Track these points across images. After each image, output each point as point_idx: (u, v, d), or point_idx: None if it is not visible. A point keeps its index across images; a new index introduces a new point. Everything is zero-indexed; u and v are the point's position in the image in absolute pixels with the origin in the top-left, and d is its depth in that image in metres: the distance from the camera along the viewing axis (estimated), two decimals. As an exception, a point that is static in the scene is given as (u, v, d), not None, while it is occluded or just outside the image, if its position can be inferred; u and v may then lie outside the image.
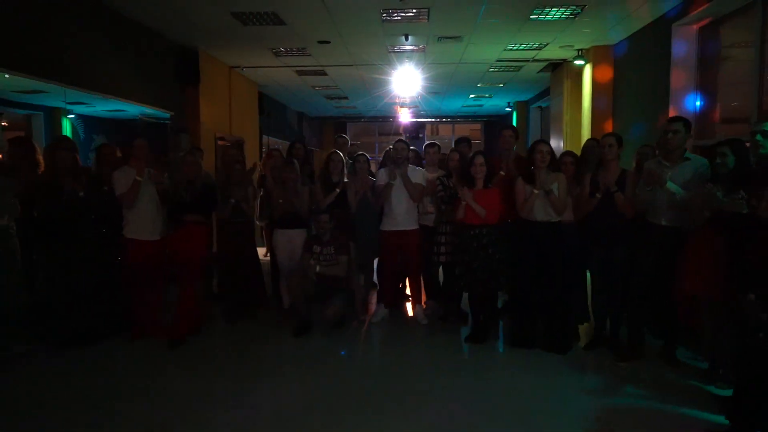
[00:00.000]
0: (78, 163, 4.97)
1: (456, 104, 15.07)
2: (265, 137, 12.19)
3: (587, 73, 8.54)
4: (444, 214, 5.22)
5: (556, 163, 4.72)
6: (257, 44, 8.12)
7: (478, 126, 18.98)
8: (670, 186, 3.95)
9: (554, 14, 6.78)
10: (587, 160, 5.05)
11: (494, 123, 17.39)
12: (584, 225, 4.58)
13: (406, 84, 10.72)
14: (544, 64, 9.73)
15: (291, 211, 5.36)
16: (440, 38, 7.93)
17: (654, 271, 4.19)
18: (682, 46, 6.44)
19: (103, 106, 9.08)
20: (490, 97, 13.71)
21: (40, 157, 5.02)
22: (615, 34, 7.74)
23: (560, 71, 9.67)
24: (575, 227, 4.69)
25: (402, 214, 5.34)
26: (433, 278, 5.72)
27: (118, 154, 5.23)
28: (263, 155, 9.35)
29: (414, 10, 6.66)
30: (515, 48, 8.59)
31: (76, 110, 9.38)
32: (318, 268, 5.12)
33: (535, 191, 4.47)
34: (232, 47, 8.31)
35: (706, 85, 6.36)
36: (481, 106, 15.39)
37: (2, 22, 4.95)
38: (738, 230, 3.50)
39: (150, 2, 6.31)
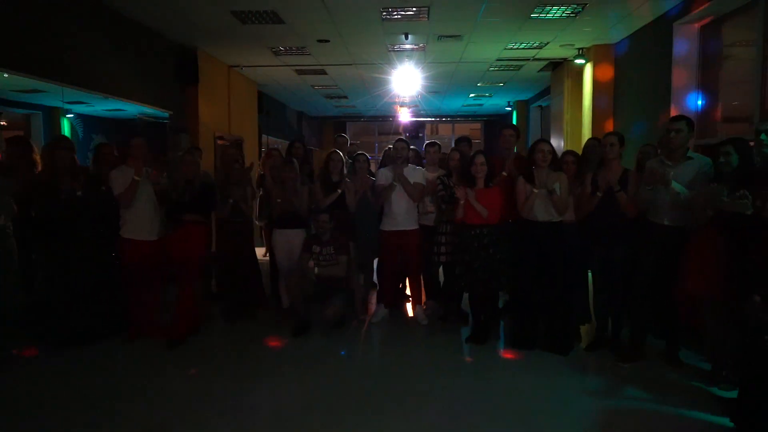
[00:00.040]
0: (76, 163, 4.95)
1: (456, 103, 15.04)
2: (264, 136, 12.16)
3: (588, 72, 8.51)
4: (444, 214, 5.19)
5: (557, 162, 4.69)
6: (256, 43, 8.09)
7: (478, 125, 18.95)
8: (675, 186, 3.92)
9: (555, 13, 6.75)
10: (588, 160, 5.02)
11: (494, 122, 17.36)
12: (586, 224, 4.55)
13: (405, 83, 10.69)
14: (545, 63, 9.70)
15: (290, 210, 5.33)
16: (440, 37, 7.90)
17: (656, 271, 4.16)
18: (684, 44, 6.41)
19: (102, 106, 9.03)
20: (490, 96, 13.68)
21: (38, 157, 4.99)
22: (616, 33, 7.71)
23: (561, 70, 9.64)
24: (576, 227, 4.66)
25: (402, 214, 5.31)
26: (433, 278, 5.69)
27: (116, 153, 5.21)
28: (262, 154, 9.32)
29: (414, 9, 6.63)
30: (515, 47, 8.56)
31: (75, 110, 9.34)
32: (317, 268, 5.09)
33: (535, 190, 4.44)
34: (232, 46, 8.28)
35: (707, 84, 6.33)
36: (481, 105, 15.36)
37: (2, 21, 4.93)
38: (741, 230, 3.48)
39: (149, 2, 6.28)
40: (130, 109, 8.21)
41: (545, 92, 12.05)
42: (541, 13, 6.74)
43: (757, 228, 3.33)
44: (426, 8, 6.59)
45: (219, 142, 8.97)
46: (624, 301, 4.43)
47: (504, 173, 5.02)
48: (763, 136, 3.68)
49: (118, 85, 6.76)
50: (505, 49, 8.68)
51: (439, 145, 5.72)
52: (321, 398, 3.81)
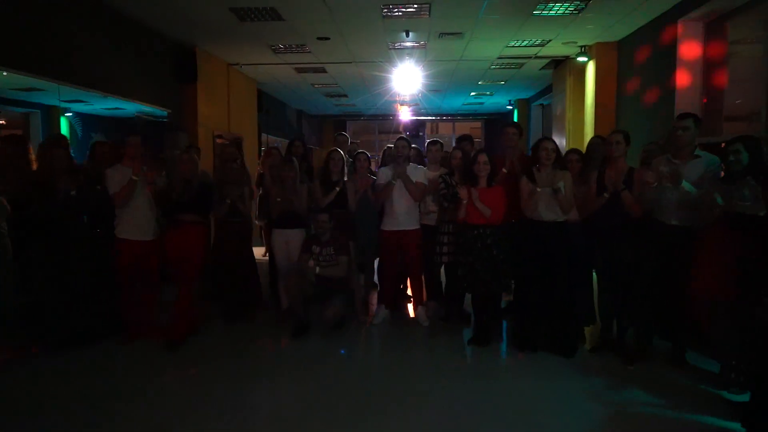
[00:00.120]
0: (72, 161, 4.88)
1: (457, 102, 14.97)
2: (264, 135, 12.10)
3: (590, 70, 8.43)
4: (446, 213, 5.11)
5: (562, 161, 4.62)
6: (256, 41, 8.01)
7: (478, 124, 18.88)
8: (684, 184, 3.84)
9: (558, 10, 6.68)
10: (592, 158, 4.94)
11: (495, 121, 17.30)
12: (590, 224, 4.48)
13: (406, 81, 10.61)
14: (547, 61, 9.63)
15: (289, 210, 5.25)
16: (441, 34, 7.82)
17: (662, 272, 4.09)
18: (688, 42, 6.33)
19: (101, 104, 8.97)
20: (491, 94, 13.61)
21: (33, 156, 4.92)
22: (619, 30, 7.62)
23: (563, 68, 9.56)
24: (580, 226, 4.58)
25: (402, 214, 5.23)
26: (435, 279, 5.61)
27: (107, 150, 5.14)
28: (262, 153, 9.25)
29: (415, 6, 6.56)
30: (517, 45, 8.49)
31: (74, 108, 9.28)
32: (317, 268, 5.01)
33: (539, 189, 4.36)
34: (231, 44, 8.20)
35: (712, 81, 6.25)
36: (482, 104, 15.29)
37: (0, 20, 4.85)
38: (752, 230, 3.40)
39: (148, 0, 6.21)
40: (129, 107, 8.14)
41: (546, 90, 11.98)
42: (543, 10, 6.67)
43: (768, 228, 3.26)
44: (427, 5, 6.51)
45: (218, 140, 8.90)
46: (629, 301, 4.35)
47: (504, 170, 4.94)
48: None
49: (116, 84, 6.69)
50: (507, 46, 8.60)
51: (441, 143, 5.65)
52: (320, 400, 3.77)
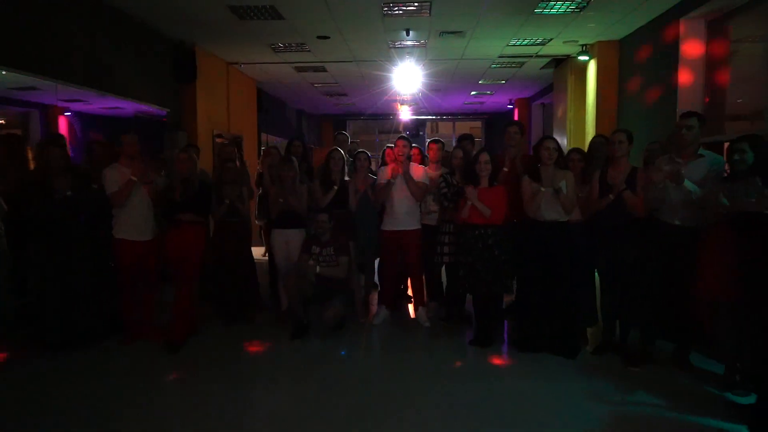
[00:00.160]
0: (69, 161, 4.84)
1: (457, 101, 14.92)
2: (264, 135, 12.05)
3: (592, 69, 8.38)
4: (447, 213, 5.07)
5: (564, 160, 4.57)
6: (255, 40, 7.97)
7: (478, 124, 18.82)
8: (687, 184, 3.80)
9: (559, 8, 6.63)
10: (594, 158, 4.90)
11: (495, 121, 17.26)
12: (592, 224, 4.43)
13: (406, 81, 10.57)
14: (547, 60, 9.58)
15: (288, 209, 5.20)
16: (442, 33, 7.77)
17: (665, 272, 4.04)
18: (691, 40, 6.28)
19: (100, 104, 8.93)
20: (491, 94, 13.57)
21: (30, 155, 4.88)
22: (621, 29, 7.58)
23: (564, 67, 9.52)
24: (582, 226, 4.54)
25: (403, 214, 5.19)
26: (435, 279, 5.57)
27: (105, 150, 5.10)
28: (261, 153, 9.21)
29: (416, 4, 6.51)
30: (518, 43, 8.44)
31: (73, 108, 9.24)
32: (317, 268, 4.97)
33: (542, 189, 4.31)
34: (230, 43, 8.16)
35: (714, 80, 6.20)
36: (482, 103, 15.25)
37: (-1, 19, 4.83)
38: (758, 230, 3.36)
39: (146, -3, 6.18)
40: (128, 107, 8.10)
41: (547, 90, 11.94)
42: (545, 8, 6.62)
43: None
44: (428, 4, 6.47)
45: (218, 140, 8.86)
46: (631, 302, 4.31)
47: (505, 169, 4.90)
48: None
49: (115, 83, 6.64)
50: (508, 45, 8.56)
51: (442, 142, 5.61)
52: (321, 400, 3.75)
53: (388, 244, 5.29)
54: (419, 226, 5.26)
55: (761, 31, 5.34)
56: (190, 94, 8.20)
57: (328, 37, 7.88)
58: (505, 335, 5.07)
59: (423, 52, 8.86)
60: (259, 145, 11.42)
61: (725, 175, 3.81)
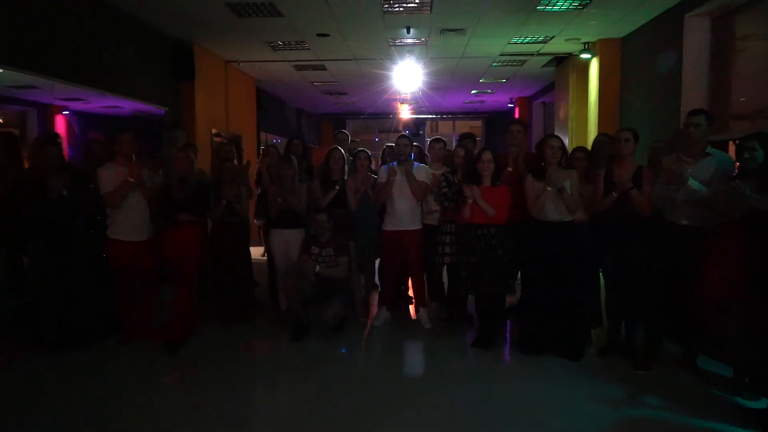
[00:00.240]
0: (65, 160, 4.77)
1: (457, 100, 14.86)
2: (263, 134, 11.98)
3: (594, 67, 8.31)
4: (447, 213, 5.00)
5: (567, 159, 4.50)
6: (254, 37, 7.89)
7: (478, 123, 18.75)
8: (692, 183, 3.72)
9: (561, 5, 6.55)
10: (598, 156, 4.82)
11: (496, 120, 17.19)
12: (597, 223, 4.36)
13: (406, 79, 10.51)
14: (549, 58, 9.51)
15: (288, 209, 5.13)
16: (443, 31, 7.70)
17: (672, 273, 3.97)
18: (695, 37, 6.20)
19: (99, 102, 8.87)
20: (492, 92, 13.50)
21: (25, 154, 4.82)
22: (623, 26, 7.50)
23: (565, 65, 9.45)
24: (587, 225, 4.46)
25: (404, 214, 5.11)
26: (437, 280, 5.50)
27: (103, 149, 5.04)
28: (261, 152, 9.14)
29: (417, 1, 6.44)
30: (520, 41, 8.37)
31: (71, 106, 9.18)
32: (317, 267, 4.89)
33: (547, 188, 4.24)
34: (229, 41, 8.08)
35: (719, 78, 6.13)
36: (482, 102, 15.18)
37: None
38: (764, 229, 3.29)
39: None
40: (127, 105, 8.03)
41: (548, 88, 11.86)
42: (547, 5, 6.54)
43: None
44: (429, 1, 6.39)
45: (216, 139, 8.78)
46: (636, 302, 4.23)
47: (509, 168, 4.82)
48: None
49: (112, 81, 6.57)
50: (509, 43, 8.48)
51: (444, 141, 5.53)
52: (321, 401, 3.71)
53: (388, 244, 5.22)
54: (420, 226, 5.19)
55: (767, 28, 5.27)
56: (188, 92, 8.13)
57: (328, 35, 7.80)
58: (508, 336, 5.00)
59: (423, 50, 8.78)
60: (259, 144, 11.35)
61: (734, 174, 3.74)
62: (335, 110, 16.51)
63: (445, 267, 5.25)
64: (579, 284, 4.38)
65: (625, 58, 7.96)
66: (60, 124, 8.87)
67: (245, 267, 5.50)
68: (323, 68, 10.18)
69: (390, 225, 5.18)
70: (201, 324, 5.12)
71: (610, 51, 8.05)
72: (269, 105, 12.31)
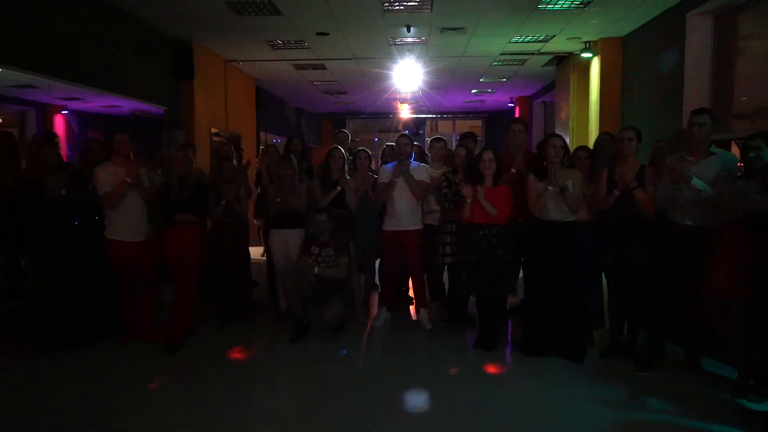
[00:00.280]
0: (62, 160, 4.74)
1: (457, 100, 14.82)
2: (262, 133, 11.95)
3: (595, 66, 8.28)
4: (448, 213, 4.96)
5: (570, 158, 4.47)
6: (254, 36, 7.86)
7: (479, 123, 18.72)
8: (696, 183, 3.69)
9: (562, 4, 6.52)
10: (600, 155, 4.80)
11: (496, 119, 17.16)
12: (600, 223, 4.33)
13: (406, 79, 10.47)
14: (550, 57, 9.48)
15: (287, 209, 5.09)
16: (443, 29, 7.67)
17: (675, 273, 3.94)
18: (697, 36, 6.17)
19: (98, 102, 8.85)
20: (492, 92, 13.47)
21: (23, 154, 4.79)
22: (625, 25, 7.47)
23: (566, 65, 9.42)
24: (589, 225, 4.43)
25: (404, 214, 5.08)
26: (437, 280, 5.46)
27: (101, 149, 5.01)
28: (260, 151, 9.11)
29: (417, 0, 6.40)
30: (520, 40, 8.33)
31: (71, 106, 9.15)
32: (316, 268, 4.86)
33: (549, 188, 4.20)
34: (228, 40, 8.05)
35: (721, 78, 6.10)
36: (483, 101, 15.16)
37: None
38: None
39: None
40: (126, 105, 8.00)
41: (549, 88, 11.83)
42: (548, 4, 6.51)
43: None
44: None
45: (216, 138, 8.75)
46: (640, 302, 4.20)
47: (513, 170, 4.79)
48: None
49: (111, 81, 6.53)
50: (510, 42, 8.45)
51: (444, 140, 5.50)
52: (321, 401, 3.70)
53: (388, 244, 5.18)
54: (421, 226, 5.16)
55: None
56: (188, 92, 8.10)
57: (328, 34, 7.77)
58: (509, 337, 4.97)
59: (424, 49, 8.75)
60: (258, 143, 11.32)
61: (739, 173, 3.71)
62: (335, 110, 16.48)
63: (445, 267, 5.22)
64: (581, 284, 4.35)
65: (626, 57, 7.93)
66: (59, 124, 8.85)
67: (244, 267, 5.46)
68: (323, 67, 10.15)
69: (390, 225, 5.14)
70: (201, 324, 5.10)
71: (612, 50, 8.02)
72: (269, 104, 12.28)
